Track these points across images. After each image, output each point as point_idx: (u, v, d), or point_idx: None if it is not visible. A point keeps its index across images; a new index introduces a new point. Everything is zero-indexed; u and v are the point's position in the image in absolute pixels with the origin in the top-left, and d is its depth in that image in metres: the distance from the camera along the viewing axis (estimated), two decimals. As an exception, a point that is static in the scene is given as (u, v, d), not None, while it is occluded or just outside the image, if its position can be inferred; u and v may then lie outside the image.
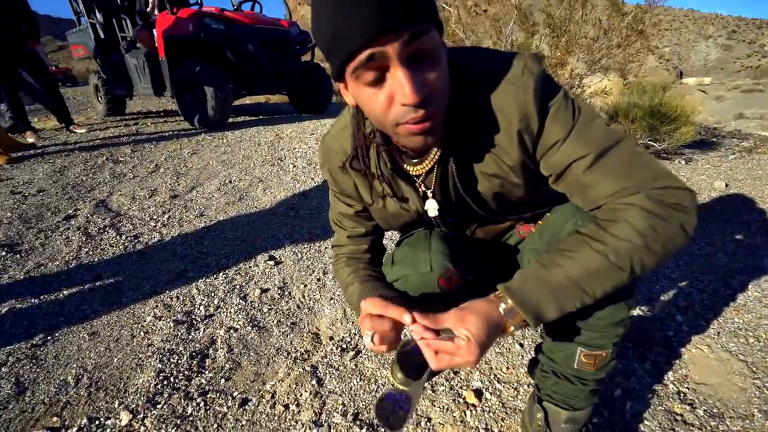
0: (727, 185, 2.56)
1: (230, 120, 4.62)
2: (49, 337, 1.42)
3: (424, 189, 0.74)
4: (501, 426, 0.97)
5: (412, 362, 0.62)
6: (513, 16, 3.00)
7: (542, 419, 0.83)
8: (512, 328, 0.58)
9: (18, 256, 1.91)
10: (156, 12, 4.52)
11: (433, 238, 0.79)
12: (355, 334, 1.35)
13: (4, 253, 1.91)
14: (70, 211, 2.36)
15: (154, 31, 4.32)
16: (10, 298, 1.62)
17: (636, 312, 1.35)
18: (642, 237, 0.53)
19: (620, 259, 0.54)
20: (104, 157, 3.30)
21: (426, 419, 1.01)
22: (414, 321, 0.59)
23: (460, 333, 0.56)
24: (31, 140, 3.73)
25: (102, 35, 4.99)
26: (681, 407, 0.99)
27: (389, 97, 0.53)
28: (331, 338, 1.34)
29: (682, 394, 1.03)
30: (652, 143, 3.30)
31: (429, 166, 0.70)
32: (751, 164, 3.06)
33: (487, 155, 0.66)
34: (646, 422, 0.96)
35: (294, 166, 3.03)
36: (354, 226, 0.86)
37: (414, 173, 0.72)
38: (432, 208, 0.74)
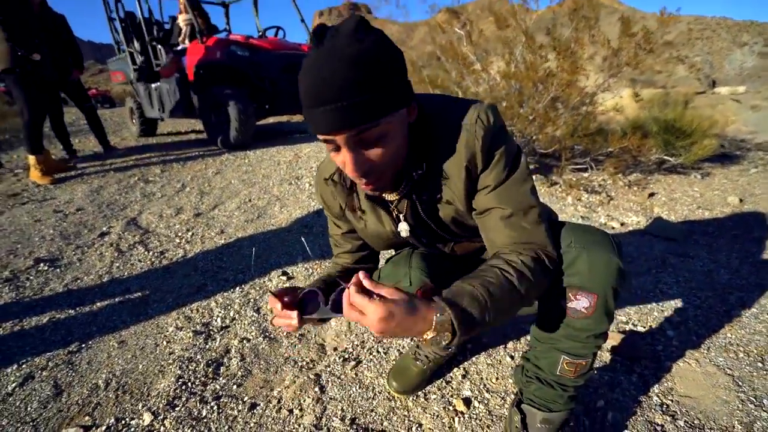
0: (741, 200, 2.53)
1: (252, 140, 4.86)
2: (83, 345, 1.56)
3: (397, 213, 0.84)
4: (486, 433, 1.04)
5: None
6: (522, 40, 3.09)
7: (519, 422, 0.90)
8: (428, 337, 0.62)
9: (58, 270, 2.10)
10: (186, 42, 4.84)
11: (414, 257, 0.89)
12: (357, 346, 1.44)
13: (46, 268, 2.11)
14: (104, 229, 2.57)
15: (183, 60, 4.64)
16: (50, 309, 1.79)
17: (628, 326, 1.38)
18: (533, 274, 0.69)
19: (522, 287, 0.68)
20: (136, 177, 3.56)
21: (417, 425, 1.09)
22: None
23: (386, 301, 0.60)
24: (71, 162, 4.05)
25: (139, 62, 5.38)
26: (662, 418, 1.03)
27: (343, 163, 0.69)
28: (335, 349, 1.44)
29: (664, 406, 1.06)
30: (667, 158, 3.28)
31: (401, 194, 0.80)
32: (772, 178, 3.00)
33: (443, 186, 0.78)
34: (625, 432, 1.00)
35: (310, 185, 3.18)
36: (342, 243, 0.99)
37: (389, 199, 0.83)
38: (404, 229, 0.84)
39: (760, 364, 1.17)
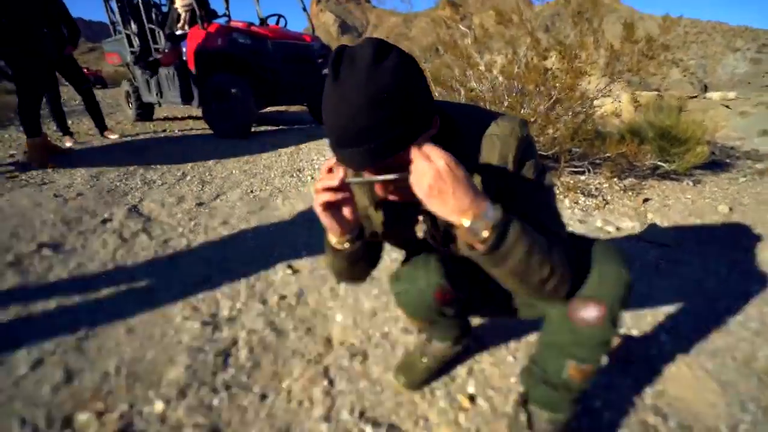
0: (731, 209, 2.62)
1: (253, 130, 4.84)
2: (91, 332, 1.58)
3: (416, 215, 0.89)
4: (490, 428, 1.10)
5: None
6: (526, 41, 3.12)
7: (525, 421, 0.96)
8: (467, 223, 0.63)
9: (62, 255, 2.11)
10: (186, 27, 4.78)
11: (431, 259, 0.93)
12: (363, 341, 1.49)
13: (50, 253, 2.11)
14: (106, 215, 2.57)
15: (183, 45, 4.58)
16: (56, 295, 1.80)
17: (624, 331, 1.45)
18: (560, 254, 0.72)
19: (553, 250, 0.71)
20: (135, 164, 3.53)
21: (424, 419, 1.14)
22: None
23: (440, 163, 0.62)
24: (68, 145, 4.00)
25: (135, 45, 5.29)
26: (654, 419, 1.10)
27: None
28: (342, 343, 1.48)
29: (657, 408, 1.13)
30: (662, 164, 3.36)
31: None
32: (761, 188, 3.09)
33: None
34: (620, 431, 1.07)
35: (312, 178, 3.20)
36: None
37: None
38: (420, 230, 0.89)
39: (744, 370, 1.25)
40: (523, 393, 1.01)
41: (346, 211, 0.78)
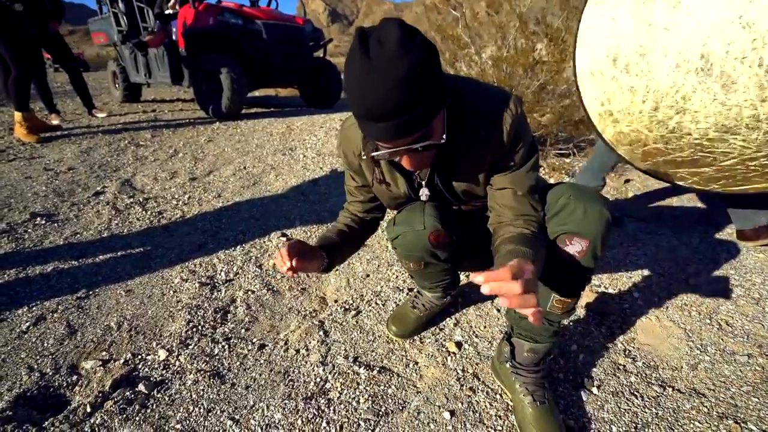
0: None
1: (243, 111, 4.83)
2: (90, 292, 1.63)
3: (419, 180, 0.97)
4: (475, 369, 1.19)
5: None
6: (515, 25, 3.19)
7: (508, 352, 1.05)
8: None
9: (56, 224, 2.13)
10: (177, 7, 4.72)
11: (427, 206, 1.00)
12: (356, 298, 1.56)
13: (43, 222, 2.13)
14: (98, 188, 2.58)
15: (173, 24, 4.53)
16: (53, 259, 1.83)
17: (600, 288, 1.56)
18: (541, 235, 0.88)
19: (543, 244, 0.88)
20: (126, 141, 3.53)
21: (414, 363, 1.23)
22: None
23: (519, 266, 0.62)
24: (55, 122, 3.96)
25: (123, 24, 5.21)
26: (624, 360, 1.20)
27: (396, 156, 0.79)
28: (336, 301, 1.56)
29: (627, 351, 1.24)
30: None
31: None
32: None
33: (466, 165, 0.90)
34: (593, 369, 1.17)
35: (304, 156, 3.24)
36: (356, 194, 1.11)
37: None
38: (424, 194, 0.97)
39: (707, 320, 1.36)
40: (508, 329, 1.10)
41: (309, 265, 0.89)
